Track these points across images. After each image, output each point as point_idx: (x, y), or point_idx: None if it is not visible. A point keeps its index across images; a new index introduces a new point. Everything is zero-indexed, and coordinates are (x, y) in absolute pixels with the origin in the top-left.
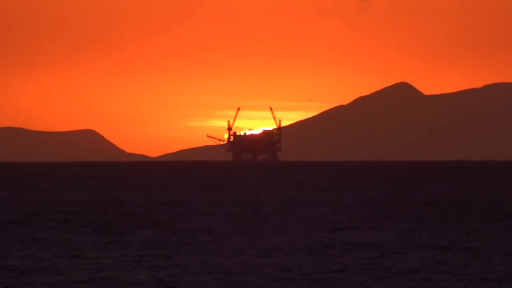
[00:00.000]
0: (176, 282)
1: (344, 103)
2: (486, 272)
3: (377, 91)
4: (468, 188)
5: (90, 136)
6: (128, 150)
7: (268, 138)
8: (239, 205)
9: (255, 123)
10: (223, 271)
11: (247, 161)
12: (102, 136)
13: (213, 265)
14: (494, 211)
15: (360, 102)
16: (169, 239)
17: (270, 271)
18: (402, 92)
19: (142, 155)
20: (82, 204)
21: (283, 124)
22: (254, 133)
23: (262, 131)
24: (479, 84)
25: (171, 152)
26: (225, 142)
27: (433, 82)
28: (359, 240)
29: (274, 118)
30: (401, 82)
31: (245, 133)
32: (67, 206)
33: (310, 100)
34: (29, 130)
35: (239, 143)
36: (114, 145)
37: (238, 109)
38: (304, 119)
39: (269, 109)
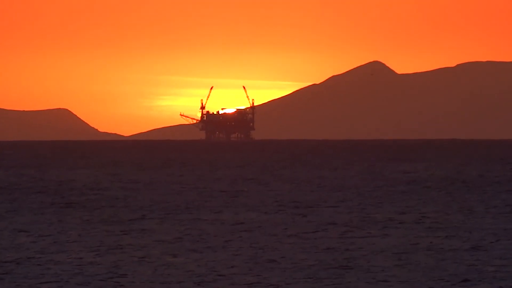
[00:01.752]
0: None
1: (317, 82)
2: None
3: (350, 70)
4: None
5: (63, 115)
6: (101, 129)
7: (242, 117)
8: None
9: (228, 102)
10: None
11: (221, 140)
12: (75, 115)
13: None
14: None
15: (333, 81)
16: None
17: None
18: (375, 71)
19: (115, 134)
20: (62, 184)
21: (256, 103)
22: (227, 112)
23: (235, 110)
24: (452, 63)
25: (144, 131)
26: (198, 121)
27: (406, 61)
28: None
29: (247, 97)
30: (374, 61)
31: (218, 112)
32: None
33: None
34: (1, 109)
35: (212, 122)
36: (87, 124)
37: (211, 88)
38: (277, 98)
39: (242, 88)
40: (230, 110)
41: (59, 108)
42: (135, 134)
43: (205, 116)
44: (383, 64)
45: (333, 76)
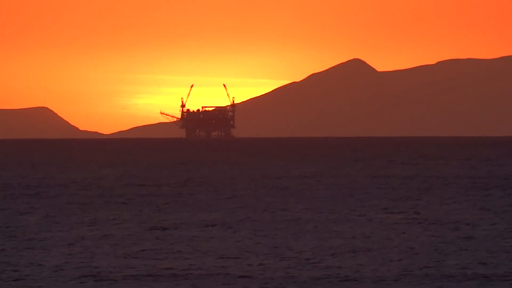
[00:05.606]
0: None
1: (297, 80)
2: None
3: (330, 67)
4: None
5: (43, 114)
6: (81, 128)
7: (222, 115)
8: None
9: (208, 100)
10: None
11: (201, 137)
12: (56, 114)
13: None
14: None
15: (313, 78)
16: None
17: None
18: (355, 69)
19: (95, 133)
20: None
21: (237, 101)
22: (207, 110)
23: (215, 107)
24: (432, 61)
25: (124, 129)
26: (179, 119)
27: (386, 59)
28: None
29: (227, 95)
30: (354, 59)
31: (198, 110)
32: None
33: None
34: None
35: (192, 120)
36: (67, 122)
37: (192, 86)
38: (258, 96)
39: (223, 86)
40: (210, 108)
41: (39, 107)
42: (116, 132)
43: (185, 114)
44: (363, 62)
45: (313, 74)
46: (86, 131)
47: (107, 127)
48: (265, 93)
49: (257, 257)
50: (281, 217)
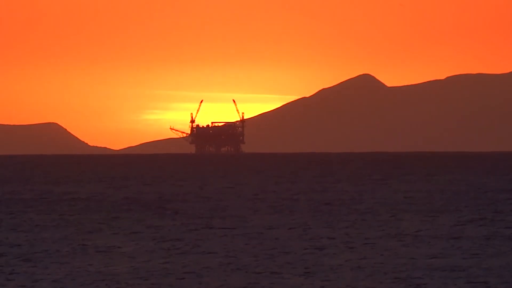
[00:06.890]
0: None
1: (307, 95)
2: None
3: (340, 83)
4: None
5: (53, 129)
6: (91, 143)
7: (231, 130)
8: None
9: (218, 116)
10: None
11: (211, 153)
12: (65, 129)
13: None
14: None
15: (323, 94)
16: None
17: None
18: (365, 84)
19: (105, 148)
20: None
21: (246, 116)
22: (217, 125)
23: (225, 123)
24: (442, 76)
25: (133, 145)
26: (188, 134)
27: (396, 74)
28: None
29: (237, 110)
30: (363, 74)
31: (208, 125)
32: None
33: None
34: None
35: (202, 135)
36: (77, 138)
37: (201, 102)
38: (267, 111)
39: (232, 102)
40: (220, 123)
41: (49, 122)
42: (125, 148)
43: (195, 129)
44: (373, 77)
45: (323, 89)
46: (95, 146)
47: (117, 142)
48: (275, 109)
49: (284, 274)
50: (298, 234)
